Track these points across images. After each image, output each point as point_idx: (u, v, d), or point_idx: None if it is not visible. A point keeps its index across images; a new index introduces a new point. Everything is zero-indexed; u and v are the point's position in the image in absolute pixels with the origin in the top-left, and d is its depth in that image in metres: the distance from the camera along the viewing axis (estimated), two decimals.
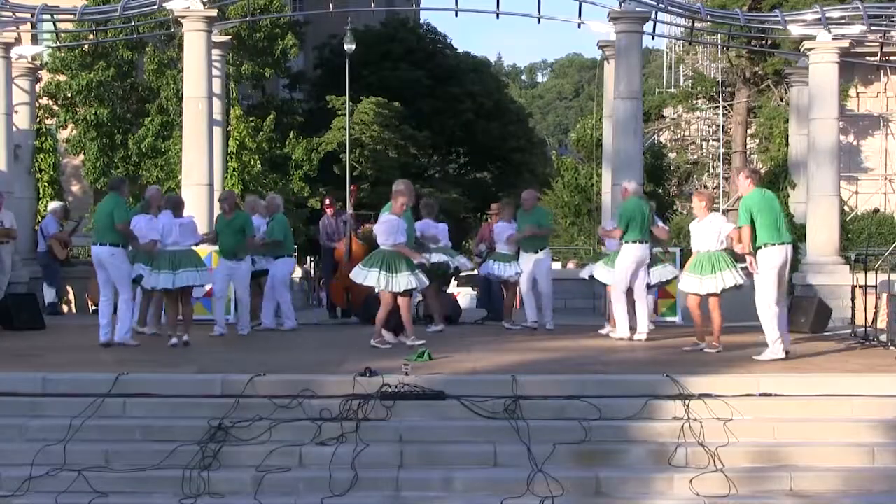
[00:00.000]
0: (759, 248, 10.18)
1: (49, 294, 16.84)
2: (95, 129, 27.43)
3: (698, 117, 35.23)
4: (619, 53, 16.74)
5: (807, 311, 13.91)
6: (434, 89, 42.29)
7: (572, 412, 8.22)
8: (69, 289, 17.96)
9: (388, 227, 11.28)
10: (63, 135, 27.72)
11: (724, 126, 32.75)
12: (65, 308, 17.91)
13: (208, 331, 12.67)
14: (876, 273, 12.91)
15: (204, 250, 13.77)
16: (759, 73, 29.90)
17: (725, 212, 32.13)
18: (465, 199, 41.63)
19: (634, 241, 12.03)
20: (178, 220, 11.60)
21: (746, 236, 10.21)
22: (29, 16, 16.86)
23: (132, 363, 9.71)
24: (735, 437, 8.01)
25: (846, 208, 18.37)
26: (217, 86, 17.96)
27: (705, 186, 34.36)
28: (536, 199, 13.69)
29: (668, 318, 14.40)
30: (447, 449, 7.97)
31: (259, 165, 27.14)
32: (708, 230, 11.31)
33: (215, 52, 17.58)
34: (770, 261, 10.18)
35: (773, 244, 10.18)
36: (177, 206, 11.76)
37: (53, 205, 17.88)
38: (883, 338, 11.90)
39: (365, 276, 11.20)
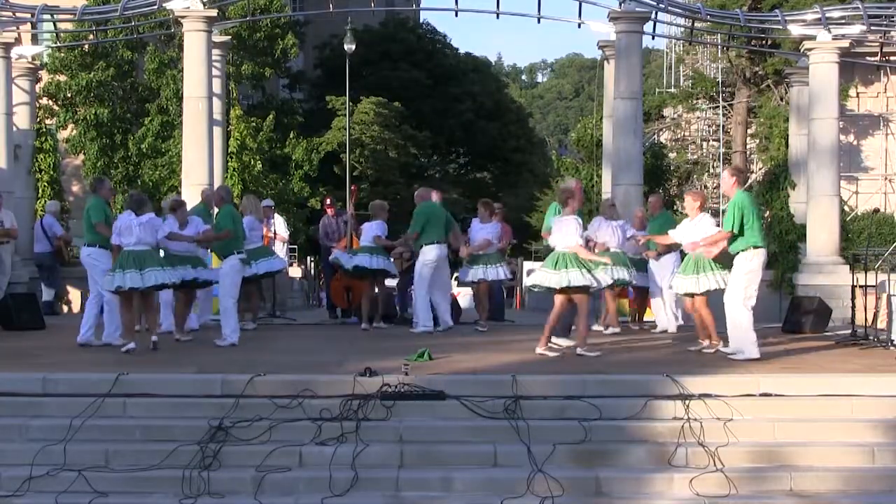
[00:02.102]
0: (746, 249, 10.21)
1: (47, 294, 16.87)
2: (95, 129, 27.41)
3: (698, 117, 35.17)
4: (619, 53, 16.74)
5: (807, 311, 13.91)
6: (434, 89, 42.35)
7: (572, 412, 8.23)
8: (68, 289, 17.98)
9: (567, 228, 10.65)
10: (63, 135, 27.70)
11: (724, 126, 32.72)
12: (64, 308, 17.95)
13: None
14: (876, 273, 12.92)
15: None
16: (759, 73, 29.87)
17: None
18: (465, 200, 41.72)
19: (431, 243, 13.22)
20: (137, 220, 11.05)
21: (724, 239, 10.31)
22: (29, 16, 16.86)
23: (132, 363, 9.72)
24: (735, 437, 8.02)
25: (846, 208, 18.34)
26: (217, 86, 17.96)
27: (705, 187, 34.31)
28: (421, 197, 13.86)
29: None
30: (447, 449, 7.97)
31: (259, 165, 27.14)
32: (695, 231, 11.24)
33: (215, 52, 17.58)
34: (755, 264, 10.25)
35: (761, 247, 10.28)
36: (138, 206, 11.22)
37: (54, 205, 17.90)
38: (883, 338, 11.90)
39: (558, 279, 10.50)
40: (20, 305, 14.08)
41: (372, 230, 13.76)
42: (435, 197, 13.90)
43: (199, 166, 16.19)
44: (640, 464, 7.89)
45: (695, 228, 11.28)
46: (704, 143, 35.02)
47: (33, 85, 18.82)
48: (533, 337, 11.26)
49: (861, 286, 13.09)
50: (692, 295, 11.17)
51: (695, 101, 33.97)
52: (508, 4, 18.28)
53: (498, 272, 13.79)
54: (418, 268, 13.44)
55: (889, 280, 12.31)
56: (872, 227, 17.10)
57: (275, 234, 16.56)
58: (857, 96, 19.59)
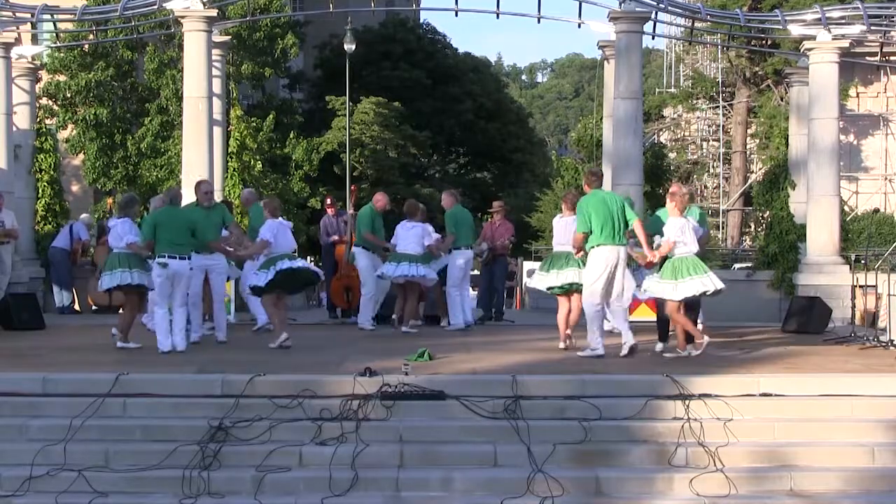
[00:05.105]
0: (593, 247, 10.41)
1: (66, 297, 17.15)
2: (95, 129, 27.39)
3: (698, 117, 35.23)
4: (619, 53, 16.73)
5: (807, 311, 13.91)
6: (434, 89, 42.28)
7: (572, 412, 8.23)
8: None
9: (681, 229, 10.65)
10: (63, 135, 27.68)
11: (724, 126, 32.76)
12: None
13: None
14: (876, 273, 12.91)
15: None
16: (759, 73, 29.91)
17: (725, 212, 32.16)
18: (464, 199, 41.62)
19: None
20: (110, 222, 11.31)
21: (580, 241, 10.52)
22: (29, 16, 16.84)
23: (132, 363, 9.72)
24: (735, 437, 8.02)
25: (846, 208, 18.35)
26: (217, 86, 17.95)
27: (706, 186, 34.39)
28: (383, 200, 14.40)
29: None
30: (447, 449, 7.98)
31: (259, 165, 27.12)
32: (568, 231, 11.27)
33: (215, 52, 17.57)
34: (600, 261, 10.36)
35: (602, 244, 10.38)
36: (119, 209, 11.33)
37: (89, 218, 19.18)
38: (883, 338, 11.90)
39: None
40: (20, 305, 14.09)
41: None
42: (376, 199, 14.30)
43: (199, 166, 16.17)
44: (640, 464, 7.89)
45: (567, 227, 11.30)
46: (704, 143, 35.09)
47: (33, 85, 18.80)
48: (533, 337, 11.27)
49: (861, 286, 13.09)
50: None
51: (695, 101, 34.02)
52: (508, 4, 18.27)
53: (410, 270, 13.36)
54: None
55: (889, 280, 12.31)
56: (872, 227, 17.09)
57: None
58: (857, 96, 19.62)
